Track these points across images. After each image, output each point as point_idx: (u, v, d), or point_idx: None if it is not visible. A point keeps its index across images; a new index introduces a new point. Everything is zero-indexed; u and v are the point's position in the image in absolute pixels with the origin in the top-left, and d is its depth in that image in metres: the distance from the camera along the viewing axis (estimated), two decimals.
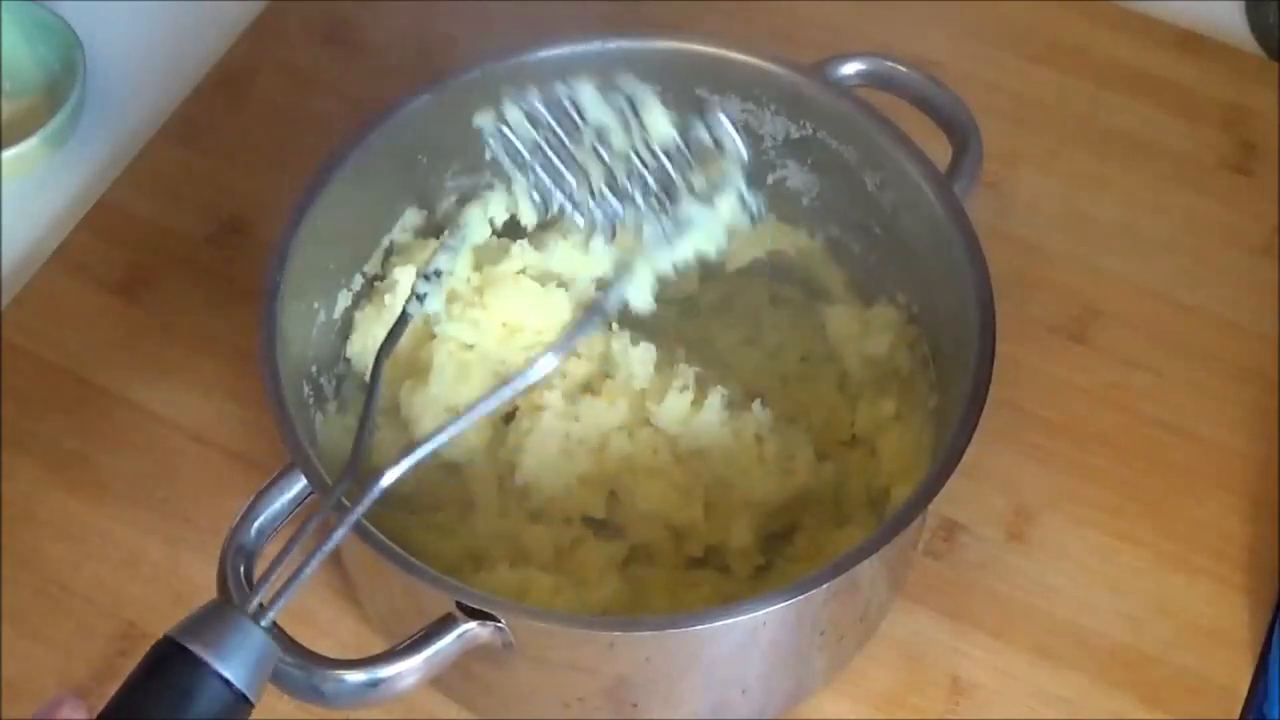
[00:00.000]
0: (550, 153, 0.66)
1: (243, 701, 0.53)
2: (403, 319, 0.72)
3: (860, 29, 0.99)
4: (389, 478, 0.59)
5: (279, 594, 0.57)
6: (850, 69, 0.78)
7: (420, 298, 0.72)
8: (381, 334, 0.77)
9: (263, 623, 0.55)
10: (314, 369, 0.75)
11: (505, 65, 0.76)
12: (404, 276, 0.77)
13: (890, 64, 0.78)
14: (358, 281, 0.78)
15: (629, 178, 0.65)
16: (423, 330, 0.77)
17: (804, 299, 0.85)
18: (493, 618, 0.61)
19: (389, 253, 0.80)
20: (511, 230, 0.83)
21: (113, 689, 0.75)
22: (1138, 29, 1.01)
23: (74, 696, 0.54)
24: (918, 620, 0.78)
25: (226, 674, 0.53)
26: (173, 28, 1.00)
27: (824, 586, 0.63)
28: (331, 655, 0.61)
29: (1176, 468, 0.83)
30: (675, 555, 0.75)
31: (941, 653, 0.77)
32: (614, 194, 0.66)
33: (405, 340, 0.78)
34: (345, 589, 0.78)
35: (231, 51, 0.98)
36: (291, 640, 0.61)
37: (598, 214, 0.67)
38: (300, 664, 0.60)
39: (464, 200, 0.82)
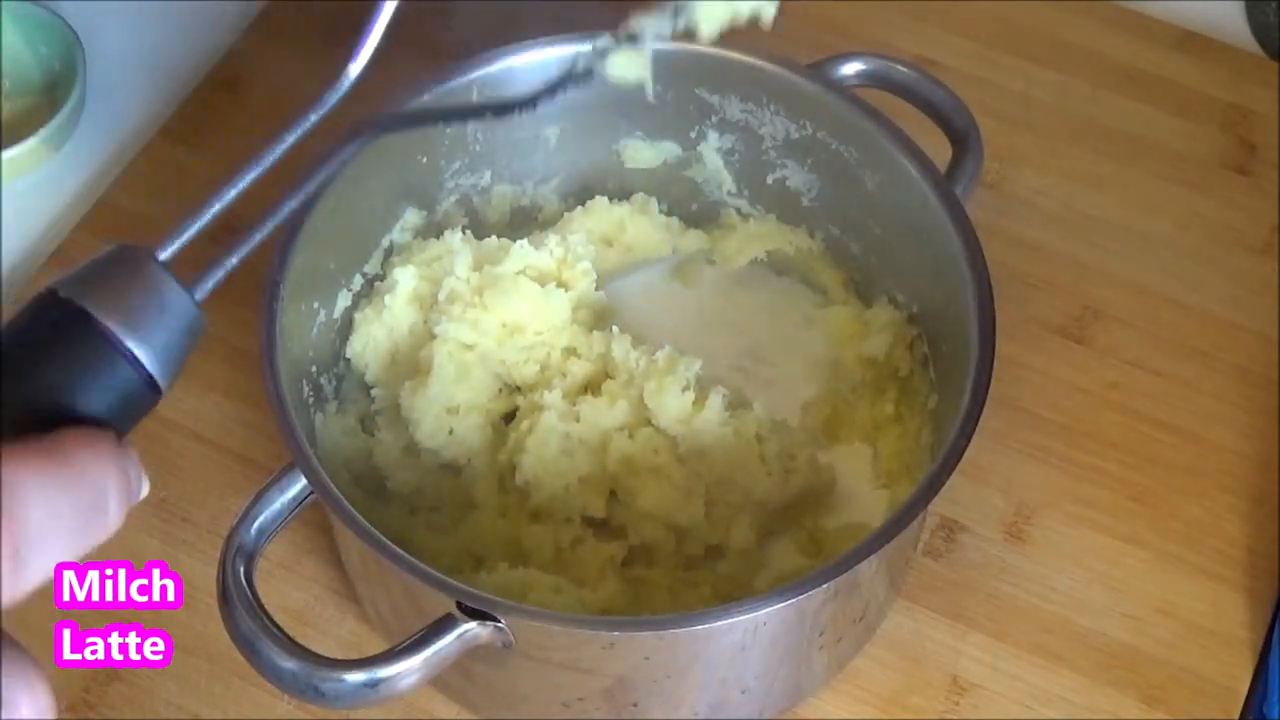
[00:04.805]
0: None
1: (152, 390, 0.41)
2: None
3: (860, 29, 0.99)
4: None
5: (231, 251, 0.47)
6: (850, 69, 0.78)
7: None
8: (381, 334, 0.77)
9: (196, 292, 0.45)
10: (314, 369, 0.75)
11: (505, 65, 0.76)
12: (404, 277, 0.77)
13: (890, 64, 0.78)
14: (358, 281, 0.78)
15: None
16: (422, 330, 0.77)
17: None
18: (493, 618, 0.61)
19: (389, 253, 0.80)
20: (511, 230, 0.83)
21: (113, 691, 0.75)
22: (1138, 29, 1.01)
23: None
24: (918, 620, 0.78)
25: (137, 351, 0.40)
26: (173, 28, 1.00)
27: (824, 586, 0.63)
28: (331, 655, 0.61)
29: (1176, 468, 0.83)
30: (676, 555, 0.75)
31: (941, 653, 0.77)
32: None
33: (405, 340, 0.78)
34: (345, 589, 0.78)
35: (231, 51, 0.98)
36: (291, 640, 0.61)
37: None
38: (300, 664, 0.60)
39: (464, 200, 0.82)
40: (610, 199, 0.84)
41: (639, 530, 0.75)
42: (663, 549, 0.75)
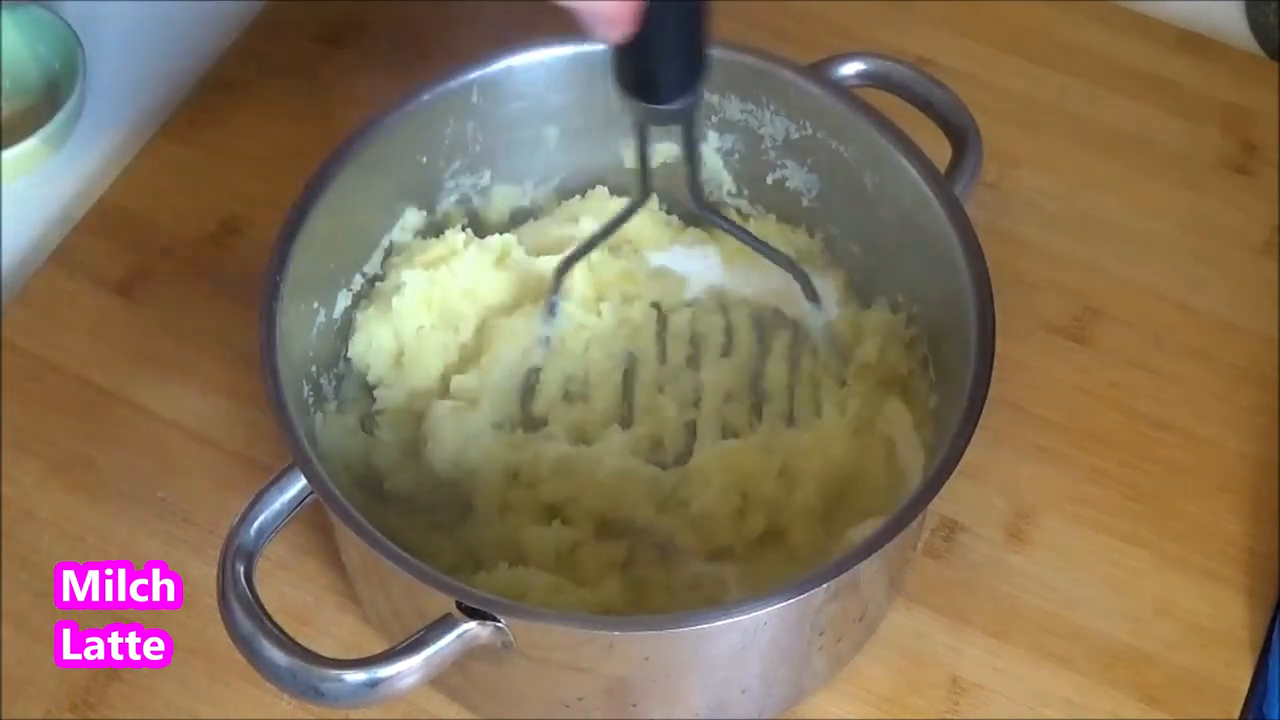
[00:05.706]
0: None
1: None
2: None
3: (860, 29, 0.99)
4: None
5: None
6: (850, 69, 0.78)
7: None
8: (384, 334, 0.77)
9: None
10: (314, 369, 0.75)
11: (506, 64, 0.76)
12: (412, 279, 0.77)
13: (890, 64, 0.78)
14: (358, 281, 0.78)
15: None
16: (430, 335, 0.77)
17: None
18: (493, 618, 0.61)
19: (389, 253, 0.80)
20: (512, 230, 0.83)
21: (113, 691, 0.75)
22: (1138, 29, 1.01)
23: None
24: (918, 620, 0.78)
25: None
26: (173, 28, 1.00)
27: (824, 586, 0.63)
28: (331, 655, 0.61)
29: (1176, 468, 0.83)
30: (695, 554, 0.75)
31: (941, 653, 0.77)
32: None
33: (412, 342, 0.78)
34: (345, 589, 0.78)
35: (231, 51, 0.98)
36: (291, 640, 0.61)
37: None
38: (300, 664, 0.60)
39: (464, 200, 0.82)
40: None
41: (702, 499, 0.74)
42: (683, 551, 0.75)
